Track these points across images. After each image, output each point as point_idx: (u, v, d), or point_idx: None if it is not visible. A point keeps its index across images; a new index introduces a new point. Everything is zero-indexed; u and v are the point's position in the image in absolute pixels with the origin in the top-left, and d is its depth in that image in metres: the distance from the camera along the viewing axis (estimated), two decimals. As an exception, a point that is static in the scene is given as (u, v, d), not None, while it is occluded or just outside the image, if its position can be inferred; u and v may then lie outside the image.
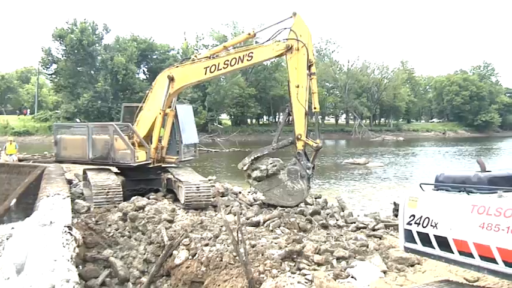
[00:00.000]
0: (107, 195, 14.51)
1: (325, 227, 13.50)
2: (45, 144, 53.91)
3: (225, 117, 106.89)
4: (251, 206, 16.71)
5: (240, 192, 19.39)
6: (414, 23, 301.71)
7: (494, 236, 5.29)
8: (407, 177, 34.10)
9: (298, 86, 15.09)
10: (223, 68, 15.93)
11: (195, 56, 17.12)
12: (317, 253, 10.10)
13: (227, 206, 15.73)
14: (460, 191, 5.99)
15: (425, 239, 6.16)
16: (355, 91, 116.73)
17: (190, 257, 10.05)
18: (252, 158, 16.19)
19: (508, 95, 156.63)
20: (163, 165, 17.61)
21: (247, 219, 13.78)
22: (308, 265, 9.49)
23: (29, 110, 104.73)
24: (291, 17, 15.47)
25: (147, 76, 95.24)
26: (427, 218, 6.11)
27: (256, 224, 13.15)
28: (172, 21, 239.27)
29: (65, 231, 8.70)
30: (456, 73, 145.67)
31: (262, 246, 10.23)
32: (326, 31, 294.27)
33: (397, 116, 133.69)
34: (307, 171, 15.15)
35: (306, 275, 8.94)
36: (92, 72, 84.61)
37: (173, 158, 17.40)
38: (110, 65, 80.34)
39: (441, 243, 5.94)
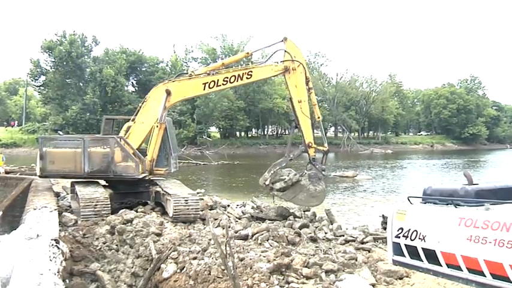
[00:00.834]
0: (95, 208, 14.37)
1: (314, 240, 13.48)
2: (32, 157, 53.29)
3: (214, 130, 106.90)
4: (240, 219, 16.77)
5: (228, 206, 19.34)
6: (402, 36, 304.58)
7: (481, 249, 5.30)
8: (396, 190, 34.19)
9: (300, 101, 16.89)
10: (223, 84, 16.83)
11: (193, 72, 17.47)
12: (306, 266, 10.09)
13: (216, 219, 15.68)
14: (447, 204, 6.01)
15: (413, 252, 6.16)
16: (344, 104, 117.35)
17: (178, 271, 10.00)
18: (272, 171, 17.27)
19: (495, 108, 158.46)
20: (151, 178, 17.55)
21: (236, 232, 13.73)
22: (297, 278, 9.48)
23: (16, 122, 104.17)
24: (282, 41, 17.02)
25: (136, 88, 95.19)
26: (415, 231, 6.12)
27: (245, 237, 13.10)
28: (161, 34, 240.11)
29: (52, 245, 8.63)
30: (444, 86, 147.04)
31: (250, 259, 10.19)
32: (315, 44, 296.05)
33: (385, 129, 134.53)
34: (323, 173, 17.34)
35: (294, 288, 8.92)
36: (81, 84, 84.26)
37: (162, 170, 17.37)
38: (98, 77, 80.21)
39: (429, 256, 5.95)
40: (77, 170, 16.42)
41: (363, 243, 13.56)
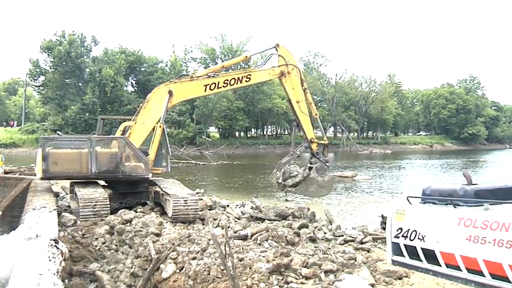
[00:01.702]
0: (94, 208, 14.32)
1: (313, 240, 13.49)
2: (32, 157, 53.18)
3: (213, 130, 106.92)
4: (239, 219, 16.82)
5: (228, 206, 19.35)
6: (401, 36, 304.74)
7: (481, 249, 5.30)
8: (395, 190, 34.20)
9: (298, 101, 18.08)
10: (223, 86, 17.60)
11: (194, 74, 17.89)
12: (305, 266, 10.09)
13: (215, 220, 15.69)
14: (446, 204, 6.00)
15: (412, 252, 6.16)
16: (343, 104, 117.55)
17: (177, 271, 10.00)
18: (283, 170, 18.54)
19: (494, 108, 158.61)
20: (151, 178, 17.55)
21: (235, 232, 13.72)
22: (296, 278, 9.48)
23: (15, 122, 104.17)
24: (274, 47, 18.17)
25: (135, 88, 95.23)
26: (415, 231, 6.12)
27: (244, 238, 13.10)
28: (160, 34, 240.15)
29: (51, 245, 8.63)
30: (443, 86, 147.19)
31: (250, 259, 10.19)
32: (314, 44, 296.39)
33: (384, 129, 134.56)
34: (327, 164, 18.70)
35: (293, 288, 8.92)
36: (80, 84, 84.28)
37: (159, 170, 17.40)
38: (98, 77, 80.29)
39: (428, 256, 5.95)
40: (83, 170, 16.16)
41: (362, 243, 13.57)
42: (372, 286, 9.41)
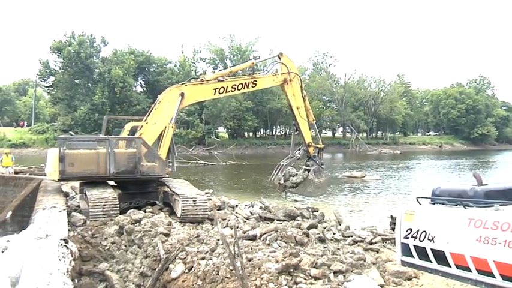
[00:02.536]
0: (104, 208, 14.38)
1: (322, 240, 13.50)
2: (42, 157, 53.39)
3: (222, 131, 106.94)
4: (248, 219, 16.90)
5: (236, 206, 19.41)
6: (411, 36, 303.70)
7: (491, 250, 5.27)
8: (404, 191, 34.03)
9: (298, 107, 19.91)
10: (231, 90, 18.73)
11: (203, 77, 18.68)
12: (314, 267, 10.07)
13: (224, 220, 15.77)
14: (456, 205, 5.97)
15: (422, 252, 6.13)
16: (352, 104, 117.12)
17: (186, 271, 10.01)
18: (284, 172, 20.34)
19: (504, 108, 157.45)
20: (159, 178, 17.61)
21: (244, 232, 13.75)
22: (305, 279, 9.46)
23: (26, 122, 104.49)
24: (278, 55, 19.97)
25: (144, 89, 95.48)
26: (424, 231, 6.09)
27: (253, 238, 13.11)
28: (169, 34, 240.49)
29: (61, 245, 8.67)
30: (452, 86, 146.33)
31: (259, 260, 10.19)
32: (323, 45, 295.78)
33: (393, 129, 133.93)
34: (322, 166, 20.54)
35: (302, 288, 8.91)
36: (89, 84, 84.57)
37: (167, 170, 17.56)
38: (107, 78, 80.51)
39: (438, 257, 5.92)
40: (101, 171, 16.16)
41: (371, 243, 13.56)
42: (381, 287, 9.39)
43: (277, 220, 16.84)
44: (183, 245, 11.23)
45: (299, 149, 20.86)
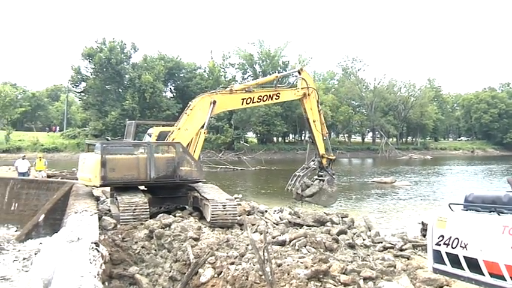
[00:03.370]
0: (134, 212, 14.50)
1: (351, 246, 13.42)
2: (73, 161, 54.09)
3: (251, 136, 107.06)
4: (277, 224, 16.92)
5: (266, 211, 19.42)
6: (441, 40, 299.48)
7: (526, 258, 5.18)
8: (435, 197, 33.62)
9: (314, 121, 21.12)
10: (257, 101, 20.05)
11: (232, 87, 19.93)
12: (343, 273, 10.01)
13: (253, 225, 15.79)
14: (490, 212, 5.88)
15: (454, 260, 6.05)
16: (382, 109, 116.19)
17: (215, 276, 10.03)
18: (302, 182, 21.48)
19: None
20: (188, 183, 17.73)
21: (273, 238, 13.76)
22: (334, 285, 9.41)
23: (58, 127, 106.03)
24: (299, 71, 21.57)
25: (174, 94, 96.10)
26: (457, 238, 6.01)
27: (282, 243, 13.11)
28: (199, 40, 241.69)
29: (92, 248, 8.76)
30: (484, 90, 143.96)
31: (288, 265, 10.16)
32: (352, 49, 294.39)
33: (424, 134, 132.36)
34: (334, 176, 21.83)
35: (332, 295, 8.86)
36: (120, 90, 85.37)
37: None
38: (137, 83, 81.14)
39: (471, 265, 5.84)
40: (141, 176, 16.28)
41: (401, 250, 13.43)
42: (412, 294, 9.27)
43: (307, 226, 16.82)
44: (213, 250, 11.27)
45: (313, 160, 22.05)
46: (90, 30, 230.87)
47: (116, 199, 15.73)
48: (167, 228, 13.35)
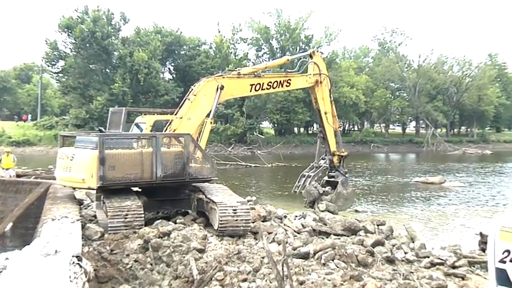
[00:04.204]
0: (125, 218, 14.48)
1: (390, 261, 13.42)
2: (50, 157, 54.22)
3: (267, 126, 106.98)
4: (299, 233, 16.93)
5: (285, 217, 19.42)
6: (505, 4, 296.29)
7: None
8: (496, 202, 33.28)
9: (326, 113, 23.02)
10: (267, 88, 21.37)
11: (239, 71, 20.85)
12: (381, 293, 10.01)
13: (270, 233, 15.82)
14: None
15: (524, 281, 6.00)
16: (428, 93, 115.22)
17: (225, 295, 10.07)
18: (312, 190, 23.29)
19: None
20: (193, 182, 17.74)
21: (294, 249, 13.81)
22: (370, 308, 9.42)
23: (30, 116, 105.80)
24: (310, 54, 23.20)
25: (174, 76, 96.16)
26: (527, 254, 5.96)
27: (305, 256, 13.16)
28: (203, 10, 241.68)
29: (73, 263, 8.78)
30: None
31: (312, 283, 10.19)
32: (391, 19, 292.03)
33: (482, 123, 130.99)
34: (347, 175, 24.07)
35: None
36: (107, 70, 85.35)
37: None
38: (128, 62, 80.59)
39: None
40: (146, 175, 16.07)
41: (454, 267, 13.40)
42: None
43: (335, 235, 16.90)
44: (221, 264, 11.32)
45: (323, 158, 24.08)
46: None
47: (104, 203, 15.75)
48: (166, 237, 13.42)
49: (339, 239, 15.79)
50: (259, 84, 20.73)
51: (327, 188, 24.24)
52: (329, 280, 10.50)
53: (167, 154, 16.63)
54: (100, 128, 19.43)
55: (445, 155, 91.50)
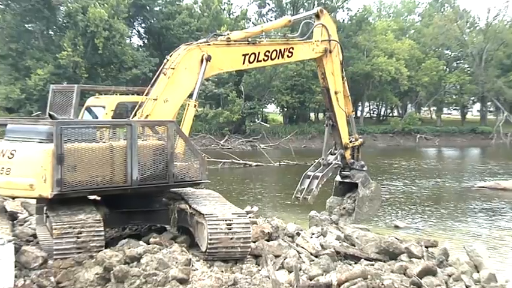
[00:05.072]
0: (78, 237, 14.08)
1: (445, 298, 13.47)
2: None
3: (273, 110, 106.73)
4: (317, 257, 16.75)
5: (298, 234, 19.30)
6: None
7: None
8: None
9: (337, 93, 23.29)
10: (263, 60, 21.09)
11: (229, 36, 20.12)
12: None
13: (277, 257, 15.83)
14: None
15: None
16: (500, 63, 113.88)
17: None
18: (341, 201, 24.26)
19: None
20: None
21: (311, 279, 13.86)
22: None
23: None
24: (317, 13, 22.91)
25: (145, 42, 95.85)
26: None
27: (327, 288, 13.20)
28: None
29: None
30: None
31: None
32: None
33: None
34: (364, 168, 24.30)
35: None
36: (51, 33, 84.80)
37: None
38: (81, 22, 78.73)
39: None
40: (118, 178, 15.40)
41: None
42: None
43: (367, 259, 16.85)
44: (210, 300, 11.39)
45: (333, 153, 24.29)
46: None
47: (47, 216, 15.55)
48: (135, 263, 13.39)
49: (373, 265, 15.76)
50: (254, 54, 20.44)
51: (346, 202, 24.53)
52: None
53: (145, 149, 15.86)
54: (50, 113, 18.11)
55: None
